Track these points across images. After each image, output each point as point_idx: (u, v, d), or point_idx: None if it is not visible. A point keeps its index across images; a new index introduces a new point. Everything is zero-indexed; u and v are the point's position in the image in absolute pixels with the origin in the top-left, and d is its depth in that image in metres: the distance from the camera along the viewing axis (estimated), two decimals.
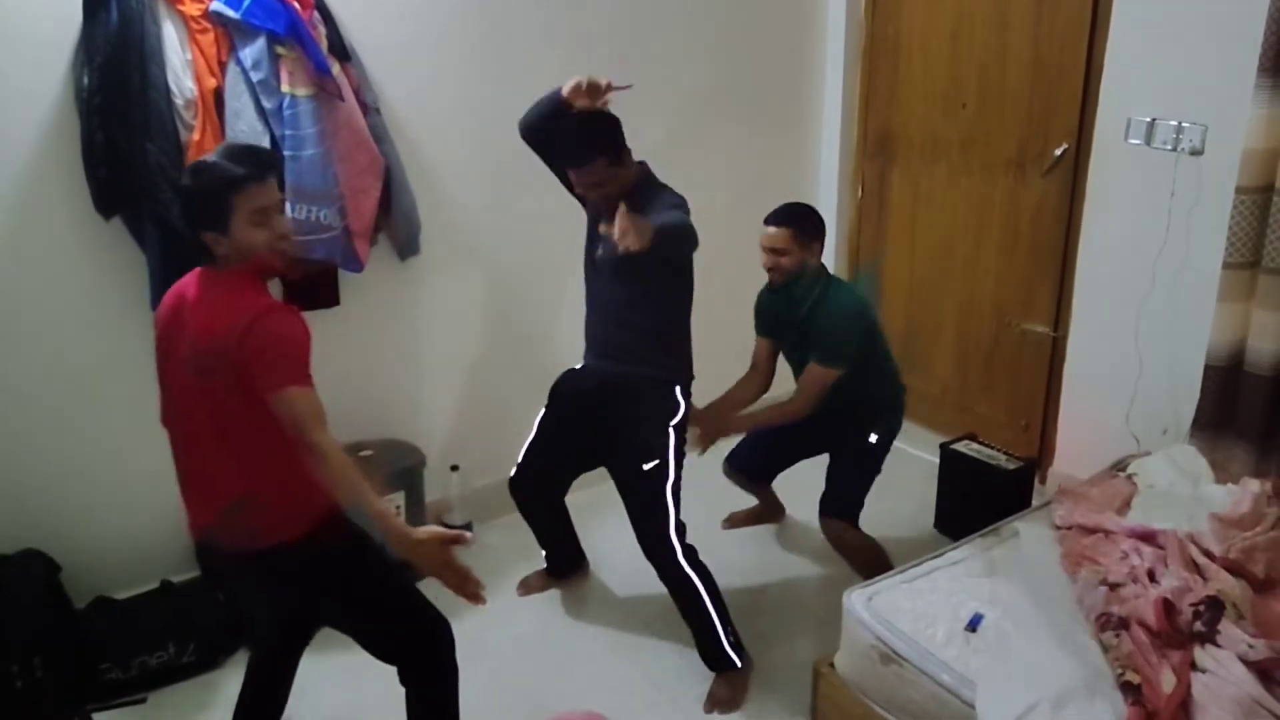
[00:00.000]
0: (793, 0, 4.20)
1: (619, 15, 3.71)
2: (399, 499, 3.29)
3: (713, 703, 2.87)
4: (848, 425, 3.17)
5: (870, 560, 3.13)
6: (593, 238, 2.92)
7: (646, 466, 2.84)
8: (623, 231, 2.39)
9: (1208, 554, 2.47)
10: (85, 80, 2.64)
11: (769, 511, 3.76)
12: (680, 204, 2.74)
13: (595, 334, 2.99)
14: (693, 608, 2.88)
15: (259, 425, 2.02)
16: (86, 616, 2.90)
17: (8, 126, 2.68)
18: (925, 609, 2.47)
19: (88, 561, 2.98)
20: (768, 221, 3.04)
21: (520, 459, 3.13)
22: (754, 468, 3.49)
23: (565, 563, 3.43)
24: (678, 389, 2.92)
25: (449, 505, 3.64)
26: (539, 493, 3.22)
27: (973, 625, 2.40)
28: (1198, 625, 2.23)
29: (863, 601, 2.52)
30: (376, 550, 2.28)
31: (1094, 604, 2.40)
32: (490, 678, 2.91)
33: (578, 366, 3.07)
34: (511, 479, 3.18)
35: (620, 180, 2.71)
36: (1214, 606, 2.25)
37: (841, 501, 3.18)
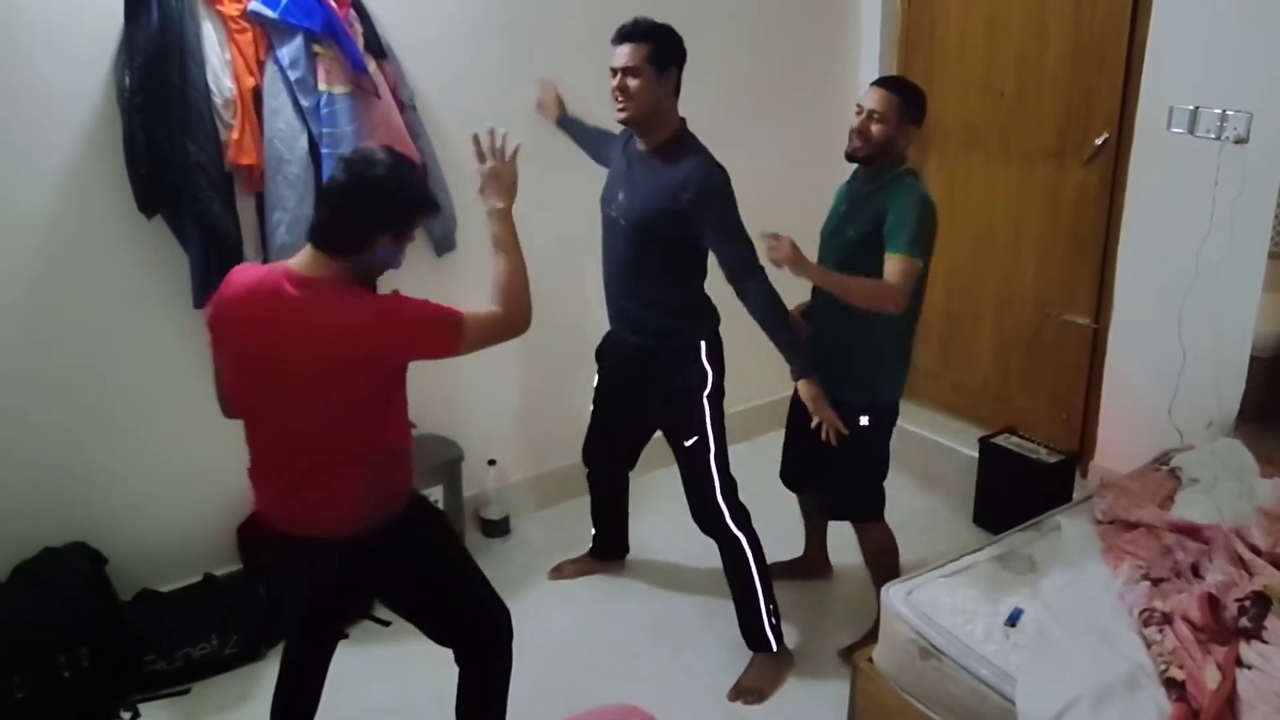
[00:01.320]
0: None
1: (654, 8, 3.69)
2: (437, 493, 3.32)
3: (738, 691, 2.88)
4: (838, 392, 2.73)
5: (886, 569, 2.96)
6: (608, 195, 2.87)
7: (687, 443, 2.87)
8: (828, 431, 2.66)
9: (1254, 549, 2.44)
10: (126, 80, 2.68)
11: (811, 564, 3.40)
12: (714, 184, 2.63)
13: (609, 296, 2.95)
14: (738, 572, 2.92)
15: (368, 416, 2.09)
16: (131, 608, 2.95)
17: (51, 127, 2.73)
18: (965, 604, 2.45)
19: (133, 554, 3.03)
20: (877, 84, 2.78)
21: (587, 430, 3.21)
22: (802, 475, 3.15)
23: (609, 545, 3.45)
24: (703, 350, 2.83)
25: (487, 499, 3.66)
26: (609, 461, 3.26)
27: (1013, 620, 2.38)
28: (1243, 621, 2.20)
29: (902, 596, 2.50)
30: (452, 533, 2.36)
31: (1137, 599, 2.37)
32: (526, 670, 2.90)
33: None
34: (584, 448, 3.26)
35: (652, 99, 2.63)
36: (1260, 602, 2.22)
37: (852, 502, 2.96)
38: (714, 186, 2.64)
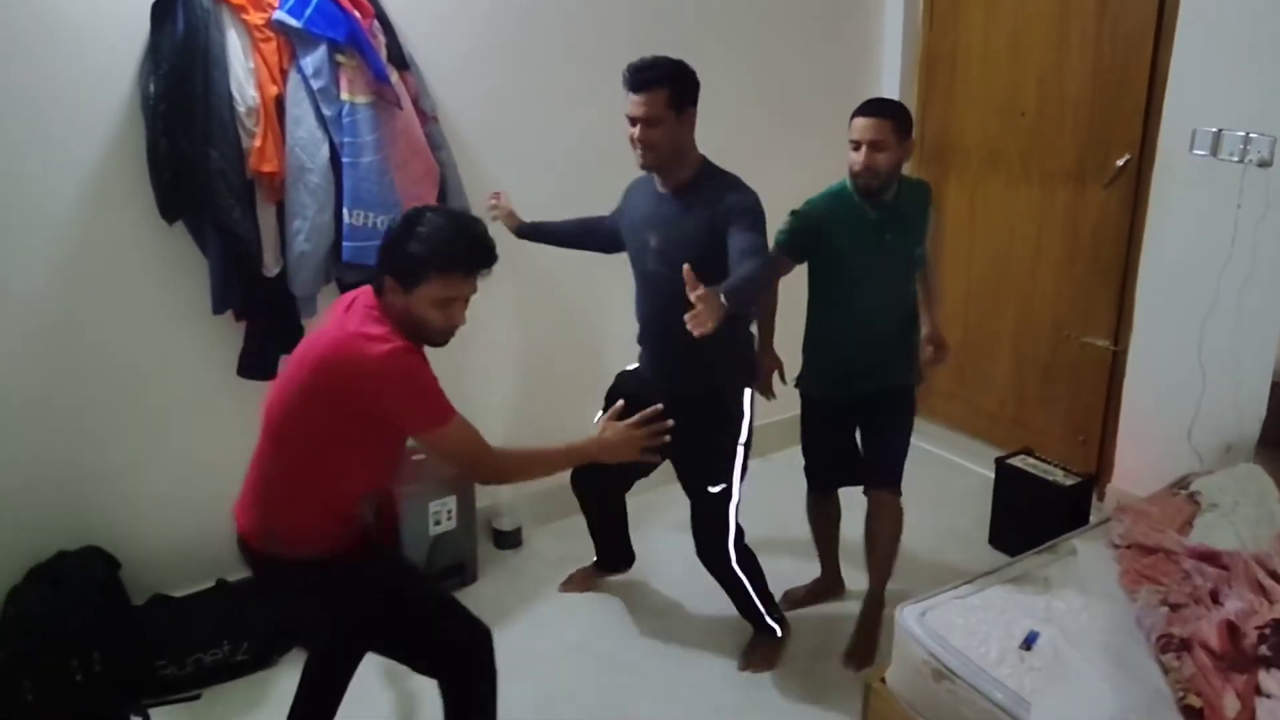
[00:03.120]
0: (850, 10, 4.18)
1: (676, 25, 3.71)
2: (450, 503, 3.31)
3: (747, 664, 3.02)
4: (897, 372, 3.02)
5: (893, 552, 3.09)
6: (636, 247, 2.79)
7: (713, 489, 2.82)
8: (693, 317, 2.22)
9: (1274, 576, 2.41)
10: (151, 87, 2.70)
11: (829, 586, 3.38)
12: (749, 203, 2.57)
13: (649, 348, 2.89)
14: (739, 599, 3.00)
15: (316, 441, 2.08)
16: (144, 613, 2.95)
17: (76, 133, 2.75)
18: (979, 626, 2.43)
19: (146, 559, 3.03)
20: (862, 112, 2.76)
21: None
22: (842, 468, 3.13)
23: (613, 557, 3.42)
24: (745, 397, 2.83)
25: (499, 511, 3.65)
26: (604, 487, 3.20)
27: (1028, 643, 2.36)
28: (1263, 649, 2.17)
29: (915, 617, 2.48)
30: (409, 568, 2.36)
31: (1154, 625, 2.34)
32: (536, 685, 2.91)
33: (630, 367, 3.03)
34: (573, 474, 3.16)
35: (672, 141, 2.58)
36: None
37: (897, 469, 3.03)
38: (749, 202, 2.59)
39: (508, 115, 3.40)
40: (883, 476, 3.02)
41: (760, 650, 3.05)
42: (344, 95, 2.84)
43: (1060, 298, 3.84)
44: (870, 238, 2.85)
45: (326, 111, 2.82)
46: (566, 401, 3.69)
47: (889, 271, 2.93)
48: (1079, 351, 3.79)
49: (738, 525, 2.90)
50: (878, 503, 3.03)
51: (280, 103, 2.81)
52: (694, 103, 2.62)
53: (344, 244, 2.87)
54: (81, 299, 2.86)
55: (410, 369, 2.05)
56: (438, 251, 2.05)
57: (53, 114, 2.70)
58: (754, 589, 2.97)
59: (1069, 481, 3.45)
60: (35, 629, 2.66)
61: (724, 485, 2.82)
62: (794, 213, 2.91)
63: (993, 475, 3.67)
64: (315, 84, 2.80)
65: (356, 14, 2.85)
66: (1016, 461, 3.61)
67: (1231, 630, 2.22)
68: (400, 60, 3.03)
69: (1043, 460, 3.61)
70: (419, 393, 2.07)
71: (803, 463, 3.18)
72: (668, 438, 2.29)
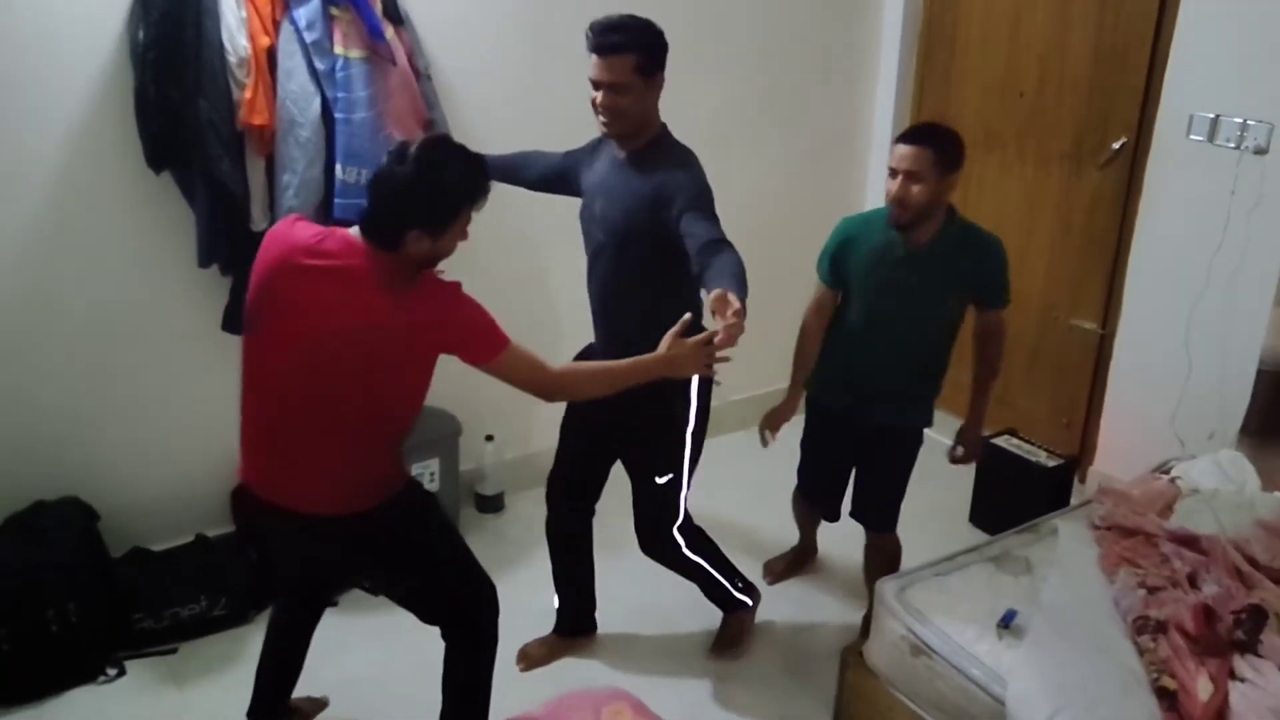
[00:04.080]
0: None
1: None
2: (433, 465, 3.30)
3: (720, 649, 2.95)
4: (905, 414, 2.83)
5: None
6: (585, 209, 2.60)
7: (660, 481, 2.67)
8: (728, 330, 2.05)
9: (1252, 561, 2.43)
10: (140, 34, 2.65)
11: (805, 552, 3.40)
12: (699, 184, 2.41)
13: (597, 321, 2.70)
14: (701, 580, 2.90)
15: (366, 404, 2.06)
16: (122, 566, 2.94)
17: (63, 79, 2.70)
18: (958, 603, 2.44)
19: (126, 511, 3.01)
20: (904, 138, 2.55)
21: (554, 463, 2.88)
22: (831, 499, 3.05)
23: (576, 615, 3.02)
24: (692, 386, 2.60)
25: (482, 474, 3.65)
26: (575, 498, 2.88)
27: (1006, 622, 2.37)
28: (1238, 634, 2.20)
29: (895, 592, 2.49)
30: (435, 511, 2.33)
31: (1131, 606, 2.36)
32: (516, 646, 2.92)
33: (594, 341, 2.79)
34: (549, 484, 2.90)
35: (639, 109, 2.39)
36: (1256, 616, 2.21)
37: (890, 515, 2.92)
38: (696, 180, 2.41)
39: (502, 75, 3.36)
40: (875, 524, 2.96)
41: (731, 630, 2.97)
42: (338, 49, 2.79)
43: (1050, 279, 3.84)
44: (889, 274, 2.67)
45: (319, 65, 2.77)
46: (560, 354, 3.69)
47: (907, 314, 2.71)
48: (1066, 333, 3.80)
49: (686, 512, 2.76)
50: (874, 544, 3.01)
51: (272, 54, 2.76)
52: (662, 67, 2.42)
53: (335, 200, 2.83)
54: (65, 248, 2.82)
55: (471, 301, 2.10)
56: (468, 186, 2.05)
57: (38, 58, 2.65)
58: (715, 567, 2.86)
59: (1052, 463, 3.47)
60: (11, 579, 2.65)
61: (671, 476, 2.67)
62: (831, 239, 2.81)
63: None
64: (308, 36, 2.75)
65: None
66: (1000, 441, 3.62)
67: (1208, 614, 2.25)
68: (396, 16, 2.98)
69: (1026, 441, 3.62)
70: (483, 320, 2.11)
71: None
72: (728, 358, 2.20)
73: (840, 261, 2.76)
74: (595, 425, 2.72)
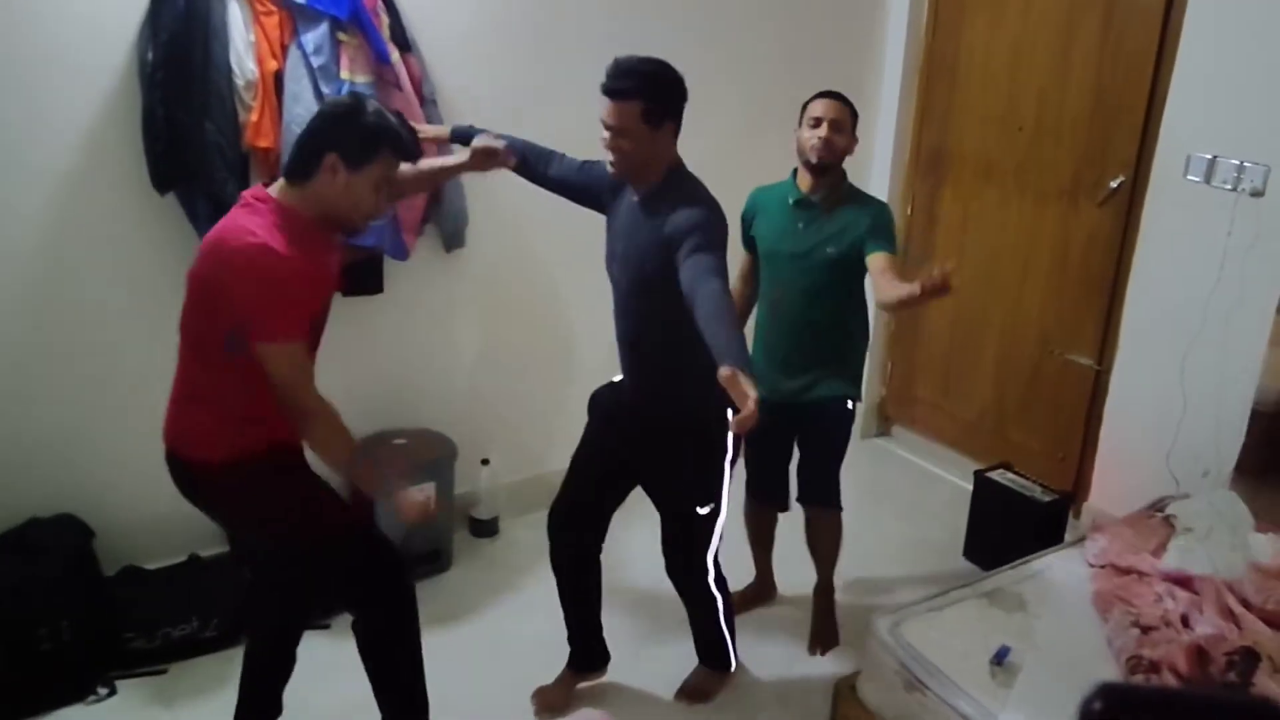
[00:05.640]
0: (853, 14, 4.18)
1: (676, 21, 3.70)
2: (429, 489, 3.30)
3: (687, 694, 2.91)
4: (828, 384, 2.93)
5: (827, 586, 3.20)
6: (609, 252, 2.60)
7: (703, 511, 2.64)
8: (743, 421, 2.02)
9: (1245, 603, 2.44)
10: (149, 55, 2.66)
11: (763, 590, 3.38)
12: (697, 219, 2.33)
13: (621, 350, 2.66)
14: (708, 621, 2.86)
15: (206, 335, 2.06)
16: (115, 584, 2.92)
17: (72, 97, 2.71)
18: (952, 638, 2.45)
19: (120, 529, 3.00)
20: (825, 95, 2.83)
21: (560, 492, 2.82)
22: (779, 487, 3.16)
23: (589, 647, 2.95)
24: (729, 413, 2.45)
25: (477, 499, 3.65)
26: (580, 528, 2.80)
27: (999, 658, 2.37)
28: (1231, 675, 2.20)
29: (889, 626, 2.49)
30: (315, 481, 2.27)
31: (1125, 645, 2.37)
32: (505, 672, 2.92)
33: (617, 379, 2.74)
34: (552, 513, 2.82)
35: (648, 152, 2.37)
36: (1249, 657, 2.22)
37: (827, 488, 3.06)
38: (703, 218, 2.35)
39: (508, 101, 3.38)
40: (811, 497, 3.09)
41: (703, 681, 2.93)
42: (344, 74, 2.82)
43: (1046, 314, 3.86)
44: (797, 240, 2.87)
45: (326, 89, 2.79)
46: (546, 394, 3.69)
47: (806, 273, 2.86)
48: (1062, 368, 3.82)
49: (720, 541, 2.74)
50: (812, 518, 3.12)
51: (279, 78, 2.79)
52: (674, 116, 2.39)
53: None
54: (66, 266, 2.82)
55: (275, 272, 1.96)
56: (392, 131, 2.07)
57: (48, 74, 2.67)
58: (724, 613, 2.83)
59: (1046, 498, 3.47)
60: (4, 596, 2.63)
61: (713, 506, 2.65)
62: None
63: (970, 487, 3.68)
64: (315, 61, 2.78)
65: None
66: (995, 475, 3.63)
67: (1200, 655, 2.25)
68: (402, 42, 3.01)
69: (1021, 475, 3.62)
70: (271, 298, 1.98)
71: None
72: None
73: (746, 228, 3.02)
74: (618, 459, 2.69)
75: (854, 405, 2.99)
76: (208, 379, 2.12)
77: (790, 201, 2.89)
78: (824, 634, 3.16)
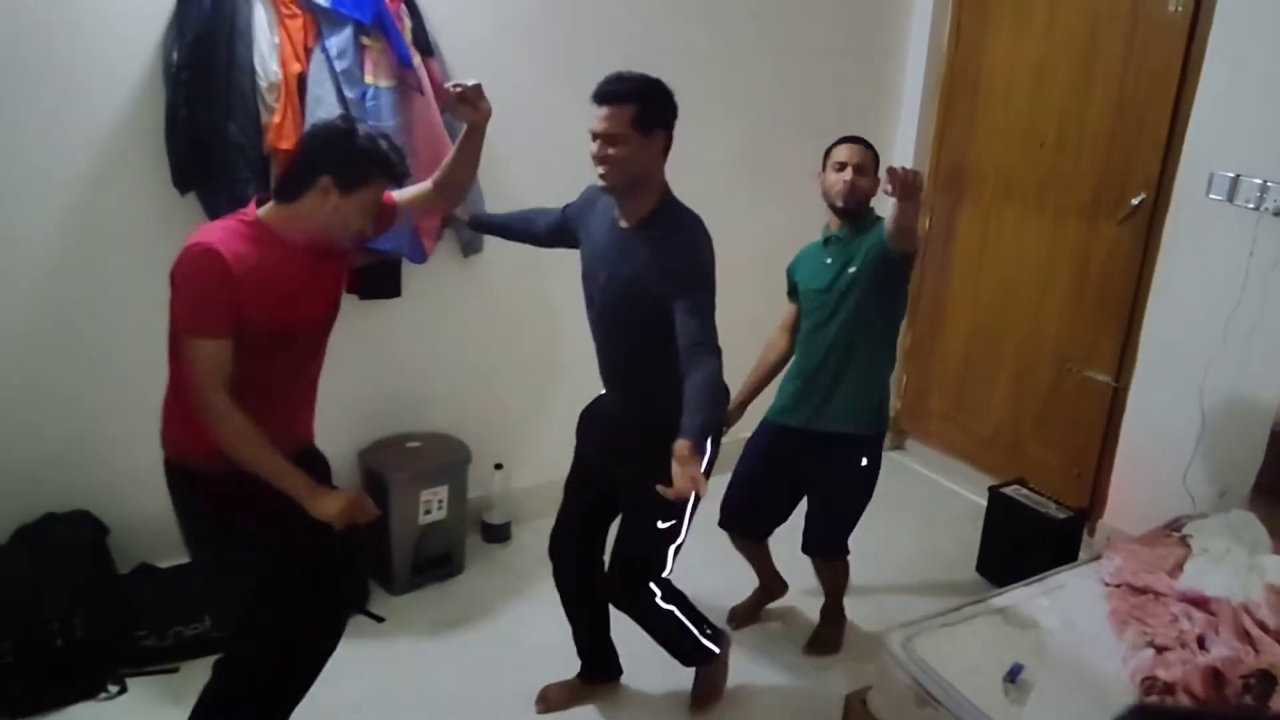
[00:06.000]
0: (874, 29, 4.18)
1: (697, 33, 3.71)
2: (441, 493, 3.30)
3: (699, 703, 2.89)
4: (852, 415, 2.94)
5: (837, 609, 3.24)
6: (588, 275, 2.56)
7: (662, 526, 2.59)
8: (679, 492, 2.08)
9: (1262, 625, 2.41)
10: (174, 55, 2.69)
11: (771, 590, 3.38)
12: (688, 263, 2.35)
13: (603, 376, 2.67)
14: (670, 632, 2.77)
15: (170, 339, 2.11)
16: (129, 582, 2.94)
17: (96, 97, 2.74)
18: (964, 654, 2.43)
19: (135, 527, 3.01)
20: (847, 140, 2.92)
21: (557, 520, 2.84)
22: (751, 524, 3.19)
23: (596, 662, 2.96)
24: (707, 441, 2.43)
25: (490, 503, 3.65)
26: (580, 551, 2.81)
27: (1012, 676, 2.35)
28: (1247, 698, 2.17)
29: (901, 641, 2.48)
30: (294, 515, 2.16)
31: (1139, 666, 2.34)
32: (517, 678, 2.91)
33: (602, 393, 2.74)
34: (552, 540, 2.85)
35: (638, 166, 2.34)
36: (1265, 681, 2.20)
37: (840, 541, 3.09)
38: (695, 261, 2.37)
39: (529, 106, 3.39)
40: (818, 551, 3.12)
41: (706, 683, 2.90)
42: (367, 78, 2.83)
43: (1064, 330, 3.84)
44: (821, 266, 2.95)
45: (349, 93, 2.81)
46: (560, 400, 3.69)
47: (832, 301, 2.90)
48: (1080, 385, 3.80)
49: (671, 564, 2.69)
50: (822, 567, 3.17)
51: (302, 81, 2.80)
52: (665, 126, 2.37)
53: None
54: (86, 263, 2.84)
55: (200, 272, 2.00)
56: (386, 154, 2.09)
57: (73, 72, 2.69)
58: (685, 614, 2.75)
59: (1061, 514, 3.45)
60: (18, 591, 2.65)
61: (674, 522, 2.60)
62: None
63: (984, 502, 3.66)
64: (339, 65, 2.79)
65: None
66: (1009, 491, 3.61)
67: (1216, 677, 2.23)
68: (425, 46, 3.02)
69: (1035, 491, 3.60)
70: (191, 295, 2.02)
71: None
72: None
73: (792, 275, 3.09)
74: (606, 474, 2.68)
75: (869, 461, 2.99)
76: (179, 377, 2.18)
77: (821, 241, 2.99)
78: (824, 642, 3.21)
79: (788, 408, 3.02)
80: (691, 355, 2.25)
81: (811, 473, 3.04)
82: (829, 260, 2.92)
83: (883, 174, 2.52)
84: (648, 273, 2.36)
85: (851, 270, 2.85)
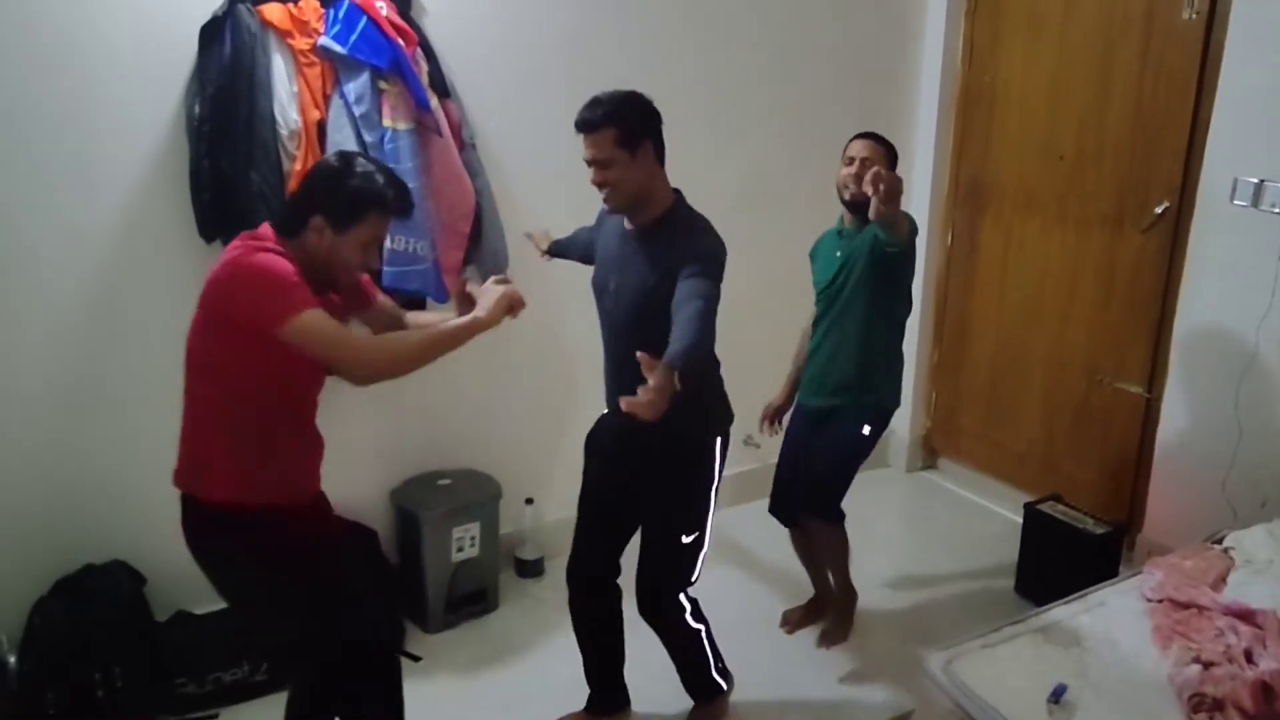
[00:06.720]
0: (889, 45, 4.19)
1: (713, 57, 3.73)
2: (474, 529, 3.31)
3: None
4: (851, 391, 3.08)
5: (845, 588, 3.31)
6: (599, 284, 2.60)
7: (686, 540, 2.62)
8: (631, 405, 2.05)
9: None
10: (197, 109, 2.74)
11: (822, 604, 3.41)
12: (701, 249, 2.37)
13: (610, 378, 2.65)
14: (692, 653, 2.79)
15: (195, 369, 2.09)
16: (166, 630, 2.95)
17: (122, 150, 2.79)
18: (1006, 676, 2.39)
19: (171, 575, 3.02)
20: (861, 136, 3.02)
21: (574, 542, 2.84)
22: (784, 506, 3.27)
23: (606, 693, 2.93)
24: (717, 443, 2.60)
25: (522, 538, 3.65)
26: (599, 571, 2.81)
27: (1056, 696, 2.32)
28: None
29: (942, 664, 2.44)
30: (340, 546, 2.24)
31: (1186, 683, 2.30)
32: (553, 713, 2.89)
33: (604, 413, 2.74)
34: (570, 565, 2.85)
35: (632, 180, 2.37)
36: None
37: (821, 497, 3.15)
38: (703, 245, 2.38)
39: (546, 143, 3.41)
40: (805, 505, 3.18)
41: (705, 713, 2.87)
42: (386, 121, 2.86)
43: (1093, 342, 3.81)
44: (832, 259, 3.07)
45: (368, 137, 2.84)
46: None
47: (839, 292, 3.04)
48: (1112, 397, 3.76)
49: (699, 571, 2.70)
50: (806, 527, 3.23)
51: (322, 127, 2.84)
52: (652, 136, 2.40)
53: (384, 269, 2.89)
54: (116, 314, 2.88)
55: (258, 262, 1.98)
56: (380, 191, 2.08)
57: (99, 128, 2.75)
58: (707, 640, 2.78)
59: (1099, 530, 3.41)
60: (60, 642, 2.68)
61: (697, 534, 2.62)
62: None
63: (1020, 520, 3.62)
64: (357, 110, 2.83)
65: (400, 41, 2.88)
66: (1045, 507, 3.57)
67: (1265, 691, 2.18)
68: (442, 88, 3.06)
69: (1072, 507, 3.56)
70: (267, 284, 1.97)
71: None
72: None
73: (812, 260, 3.21)
74: (618, 495, 2.69)
75: (870, 430, 3.10)
76: (221, 406, 2.12)
77: (835, 231, 3.13)
78: (834, 632, 3.30)
79: (804, 389, 3.21)
80: (683, 301, 2.24)
81: (811, 441, 3.18)
82: (838, 254, 3.05)
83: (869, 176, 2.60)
84: (655, 272, 2.38)
85: (855, 260, 2.97)
